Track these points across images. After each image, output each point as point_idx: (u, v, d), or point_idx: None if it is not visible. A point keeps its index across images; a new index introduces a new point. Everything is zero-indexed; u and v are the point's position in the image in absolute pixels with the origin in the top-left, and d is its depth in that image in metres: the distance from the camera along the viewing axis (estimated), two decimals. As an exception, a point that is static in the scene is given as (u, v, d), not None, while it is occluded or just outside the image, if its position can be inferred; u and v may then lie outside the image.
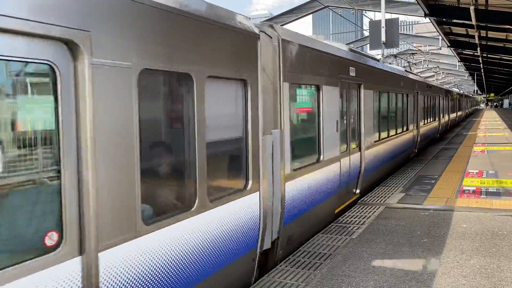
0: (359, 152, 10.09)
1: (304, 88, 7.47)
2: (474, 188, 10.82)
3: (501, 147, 19.77)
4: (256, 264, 5.70)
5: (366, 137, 10.46)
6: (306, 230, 7.32)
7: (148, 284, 3.79)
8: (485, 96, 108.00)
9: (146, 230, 3.75)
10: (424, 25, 61.43)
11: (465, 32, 23.70)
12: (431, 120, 21.97)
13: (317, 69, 7.69)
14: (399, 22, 16.33)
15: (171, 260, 4.07)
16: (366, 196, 10.36)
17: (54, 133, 3.10)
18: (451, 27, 22.87)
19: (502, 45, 25.08)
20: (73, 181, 3.18)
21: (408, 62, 33.24)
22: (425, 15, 18.18)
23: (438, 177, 12.62)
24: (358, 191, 10.11)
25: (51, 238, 3.06)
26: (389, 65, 16.17)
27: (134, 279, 3.64)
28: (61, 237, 3.12)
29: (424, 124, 19.29)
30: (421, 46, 46.33)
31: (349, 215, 8.71)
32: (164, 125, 4.47)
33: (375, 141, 11.43)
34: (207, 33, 4.56)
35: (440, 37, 31.19)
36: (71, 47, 3.15)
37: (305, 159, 7.33)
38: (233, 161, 5.39)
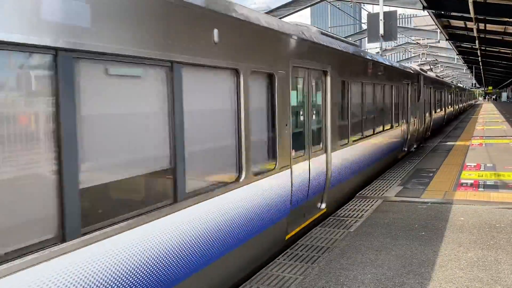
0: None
1: None
2: (472, 181, 10.84)
3: (499, 140, 19.79)
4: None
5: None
6: None
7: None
8: (483, 89, 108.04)
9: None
10: (423, 18, 61.29)
11: (463, 25, 23.66)
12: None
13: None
14: (398, 15, 16.27)
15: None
16: (364, 189, 10.36)
17: None
18: (450, 20, 22.84)
19: (500, 38, 25.05)
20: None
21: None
22: (424, 8, 18.16)
23: (436, 170, 12.63)
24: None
25: None
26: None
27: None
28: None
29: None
30: (420, 39, 46.27)
31: (347, 208, 8.72)
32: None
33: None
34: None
35: (438, 30, 31.14)
36: None
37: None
38: None
